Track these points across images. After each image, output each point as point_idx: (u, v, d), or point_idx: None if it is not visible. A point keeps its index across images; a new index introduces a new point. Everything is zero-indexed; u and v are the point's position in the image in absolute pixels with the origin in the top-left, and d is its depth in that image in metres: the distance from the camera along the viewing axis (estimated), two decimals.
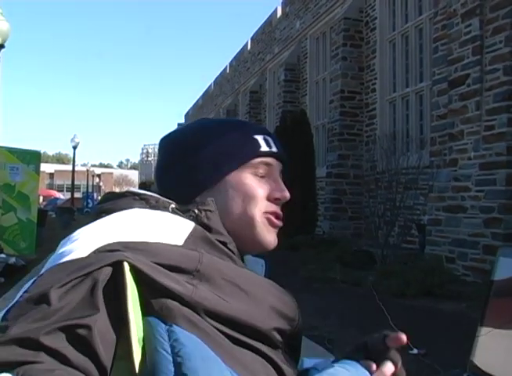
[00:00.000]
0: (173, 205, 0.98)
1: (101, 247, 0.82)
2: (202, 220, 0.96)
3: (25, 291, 0.76)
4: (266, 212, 1.06)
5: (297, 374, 1.04)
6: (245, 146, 1.08)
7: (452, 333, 5.26)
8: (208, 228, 0.96)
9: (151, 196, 0.99)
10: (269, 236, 1.06)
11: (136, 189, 1.03)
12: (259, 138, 1.10)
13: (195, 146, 1.07)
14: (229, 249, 0.97)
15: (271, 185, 1.08)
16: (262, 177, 1.08)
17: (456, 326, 5.50)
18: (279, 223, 1.08)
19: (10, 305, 0.75)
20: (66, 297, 0.74)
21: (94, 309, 0.75)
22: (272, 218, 1.07)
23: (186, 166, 1.06)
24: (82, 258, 0.80)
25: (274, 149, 1.10)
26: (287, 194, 1.09)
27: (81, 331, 0.73)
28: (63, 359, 0.70)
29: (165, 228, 0.90)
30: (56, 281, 0.75)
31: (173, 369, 0.75)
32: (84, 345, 0.73)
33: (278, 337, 0.92)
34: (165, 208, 0.96)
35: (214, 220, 0.98)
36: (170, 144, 1.13)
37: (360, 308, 6.75)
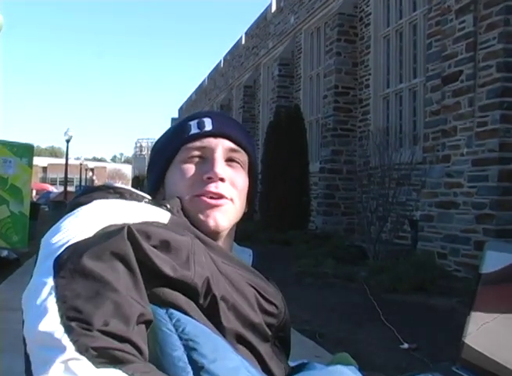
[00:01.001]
0: (146, 199, 0.99)
1: (100, 230, 0.82)
2: (174, 214, 0.98)
3: (57, 279, 0.75)
4: (197, 195, 1.04)
5: (292, 368, 1.05)
6: (172, 140, 1.11)
7: (443, 328, 5.29)
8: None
9: (125, 189, 1.00)
10: (203, 217, 1.03)
11: (112, 183, 1.03)
12: (192, 123, 1.10)
13: (150, 155, 1.23)
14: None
15: (203, 166, 1.06)
16: (200, 159, 1.07)
17: (447, 321, 5.52)
18: (211, 202, 1.03)
19: (54, 293, 0.74)
20: (119, 282, 0.75)
21: (143, 294, 0.78)
22: (202, 197, 1.03)
23: (146, 173, 1.20)
24: (92, 237, 0.80)
25: (207, 128, 1.08)
26: (217, 170, 1.03)
27: (144, 320, 0.76)
28: (140, 351, 0.73)
29: (145, 214, 0.91)
30: (94, 262, 0.76)
31: (181, 345, 0.78)
32: (145, 333, 0.77)
33: (267, 329, 0.93)
34: (139, 202, 0.97)
35: (183, 214, 1.00)
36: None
37: (352, 303, 6.77)
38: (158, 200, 1.02)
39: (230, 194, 1.05)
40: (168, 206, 0.98)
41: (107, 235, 0.80)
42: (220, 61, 31.83)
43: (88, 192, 0.99)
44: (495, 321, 1.41)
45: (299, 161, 14.29)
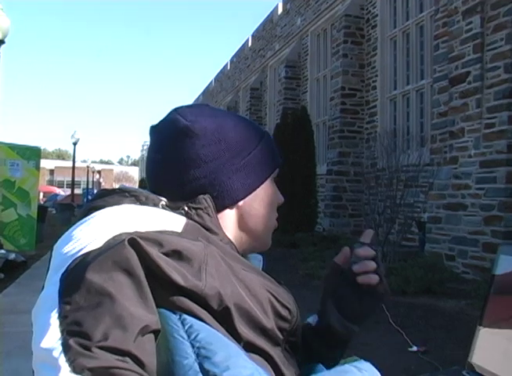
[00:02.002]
0: (163, 202, 0.98)
1: (110, 239, 0.81)
2: (192, 217, 0.96)
3: (61, 294, 0.75)
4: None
5: (301, 371, 1.04)
6: (275, 154, 1.12)
7: (452, 330, 5.27)
8: (201, 225, 0.96)
9: (141, 192, 0.98)
10: (269, 239, 1.13)
11: (127, 186, 1.02)
12: (275, 147, 1.14)
13: (241, 148, 1.03)
14: None
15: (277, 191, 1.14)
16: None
17: (456, 323, 5.50)
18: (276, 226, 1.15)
19: (57, 287, 0.76)
20: (121, 293, 0.74)
21: (149, 304, 0.77)
22: (276, 223, 1.13)
23: (234, 166, 1.02)
24: (100, 247, 0.80)
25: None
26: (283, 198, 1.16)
27: (150, 331, 0.75)
28: (141, 364, 0.72)
29: (158, 221, 0.89)
30: (92, 268, 0.75)
31: (192, 353, 0.76)
32: (151, 344, 0.75)
33: (279, 334, 0.92)
34: (155, 205, 0.96)
35: (205, 218, 0.98)
36: (198, 136, 0.99)
37: None
38: (190, 204, 0.98)
39: None
40: (186, 209, 0.97)
41: (112, 244, 0.79)
42: (226, 63, 31.90)
43: (103, 195, 0.98)
44: (506, 326, 1.40)
45: (306, 163, 14.28)
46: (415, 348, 4.81)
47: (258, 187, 1.06)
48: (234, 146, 1.02)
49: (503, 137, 7.94)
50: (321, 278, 8.33)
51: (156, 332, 0.76)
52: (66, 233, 0.88)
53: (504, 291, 1.41)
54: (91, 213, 0.91)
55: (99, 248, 0.79)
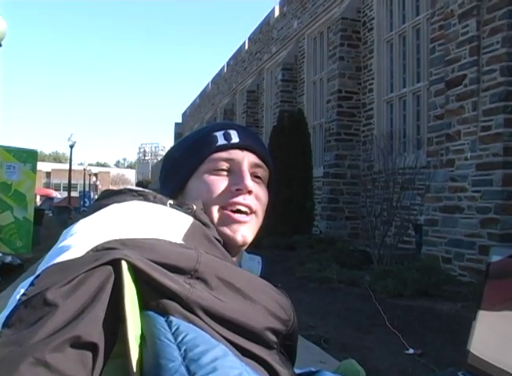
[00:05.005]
0: (171, 201, 0.99)
1: (99, 245, 0.81)
2: (198, 216, 0.97)
3: (24, 294, 0.74)
4: (224, 207, 1.05)
5: (298, 375, 1.04)
6: (196, 149, 1.10)
7: (448, 333, 5.27)
8: (204, 224, 0.97)
9: (149, 192, 1.00)
10: (231, 232, 1.04)
11: (134, 187, 1.03)
12: (218, 134, 1.10)
13: (164, 161, 1.20)
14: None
15: (231, 178, 1.07)
16: (227, 171, 1.07)
17: (452, 326, 5.50)
18: (239, 218, 1.05)
19: (10, 309, 0.73)
20: (67, 301, 0.72)
21: (97, 317, 0.74)
22: (231, 213, 1.04)
23: (161, 180, 1.19)
24: (79, 258, 0.78)
25: (234, 140, 1.09)
26: (247, 182, 1.05)
27: (82, 342, 0.72)
28: (60, 373, 0.68)
29: (164, 222, 0.90)
30: (54, 283, 0.74)
31: (179, 356, 0.75)
32: (84, 356, 0.72)
33: (272, 337, 0.92)
34: (163, 204, 0.97)
35: (207, 217, 1.00)
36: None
37: (357, 308, 6.75)
38: (182, 202, 1.02)
39: (256, 207, 1.07)
40: (194, 207, 0.98)
41: (94, 257, 0.78)
42: (223, 66, 31.88)
43: (110, 195, 0.99)
44: (500, 322, 1.40)
45: (303, 166, 14.29)
46: (411, 351, 4.81)
47: (187, 179, 1.09)
48: (173, 154, 1.19)
49: (499, 140, 7.95)
50: (317, 280, 8.36)
51: (88, 344, 0.73)
52: (67, 229, 0.88)
53: (499, 277, 1.43)
54: (96, 211, 0.91)
55: (78, 258, 0.78)
